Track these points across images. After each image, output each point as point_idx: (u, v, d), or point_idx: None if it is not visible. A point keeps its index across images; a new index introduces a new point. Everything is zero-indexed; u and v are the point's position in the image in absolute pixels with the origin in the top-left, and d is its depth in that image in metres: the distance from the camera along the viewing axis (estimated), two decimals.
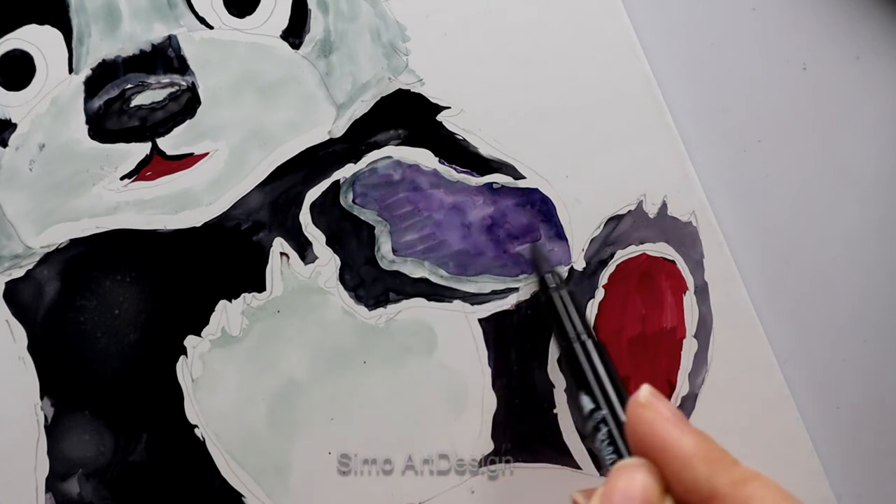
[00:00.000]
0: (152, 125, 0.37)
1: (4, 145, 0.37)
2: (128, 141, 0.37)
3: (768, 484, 0.26)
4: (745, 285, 0.41)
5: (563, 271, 0.39)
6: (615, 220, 0.40)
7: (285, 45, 0.38)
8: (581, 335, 0.34)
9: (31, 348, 0.37)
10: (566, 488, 0.39)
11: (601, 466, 0.30)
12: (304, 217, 0.38)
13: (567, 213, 0.40)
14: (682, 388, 0.40)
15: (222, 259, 0.38)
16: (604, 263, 0.40)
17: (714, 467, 0.26)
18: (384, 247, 0.39)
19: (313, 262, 0.38)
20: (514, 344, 0.39)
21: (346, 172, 0.38)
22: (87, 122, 0.37)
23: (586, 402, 0.31)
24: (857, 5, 0.43)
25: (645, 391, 0.28)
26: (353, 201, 0.38)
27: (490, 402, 0.39)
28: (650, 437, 0.27)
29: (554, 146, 0.40)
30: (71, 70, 0.37)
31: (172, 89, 0.37)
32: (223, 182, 0.38)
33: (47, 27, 0.37)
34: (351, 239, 0.38)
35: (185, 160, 0.37)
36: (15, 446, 0.37)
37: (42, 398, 0.37)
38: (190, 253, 0.38)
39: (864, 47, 0.43)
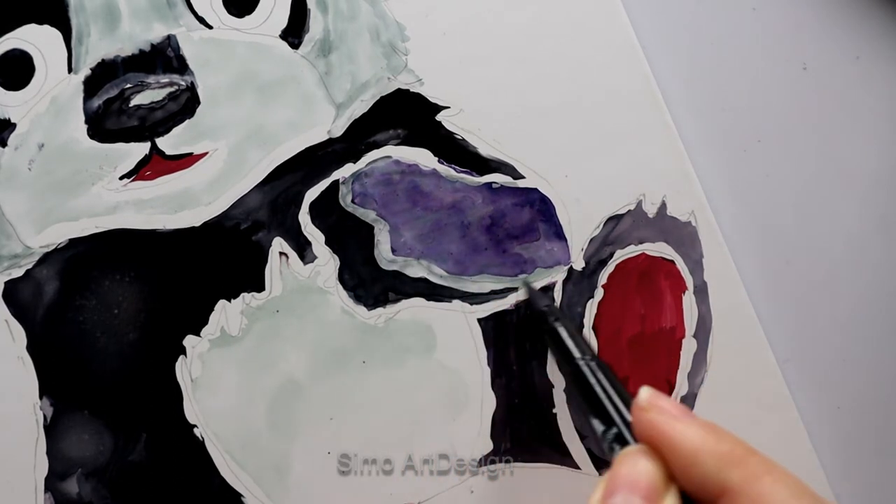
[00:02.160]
0: (151, 125, 0.37)
1: (4, 145, 0.37)
2: (127, 140, 0.37)
3: (782, 477, 0.25)
4: (744, 285, 0.41)
5: (555, 301, 0.39)
6: (614, 219, 0.40)
7: (284, 44, 0.38)
8: (586, 356, 0.34)
9: (31, 348, 0.37)
10: (566, 488, 0.39)
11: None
12: (304, 217, 0.38)
13: (566, 213, 0.40)
14: (682, 387, 0.40)
15: (221, 259, 0.38)
16: (603, 263, 0.40)
17: (723, 461, 0.25)
18: (383, 246, 0.39)
19: (312, 261, 0.38)
20: (513, 344, 0.39)
21: (345, 172, 0.38)
22: (87, 122, 0.37)
23: (597, 425, 0.31)
24: (857, 5, 0.43)
25: (644, 394, 0.28)
26: (353, 201, 0.38)
27: (489, 401, 0.39)
28: (657, 436, 0.26)
29: (553, 146, 0.40)
30: (70, 70, 0.37)
31: (171, 89, 0.37)
32: (222, 182, 0.38)
33: (46, 27, 0.37)
34: (350, 239, 0.38)
35: (185, 160, 0.37)
36: (14, 446, 0.37)
37: (41, 398, 0.37)
38: (189, 252, 0.38)
39: (864, 47, 0.43)
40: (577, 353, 0.34)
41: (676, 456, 0.26)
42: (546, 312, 0.37)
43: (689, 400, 0.40)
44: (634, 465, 0.26)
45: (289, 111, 0.38)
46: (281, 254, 0.38)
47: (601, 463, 0.40)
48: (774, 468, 0.25)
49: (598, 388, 0.32)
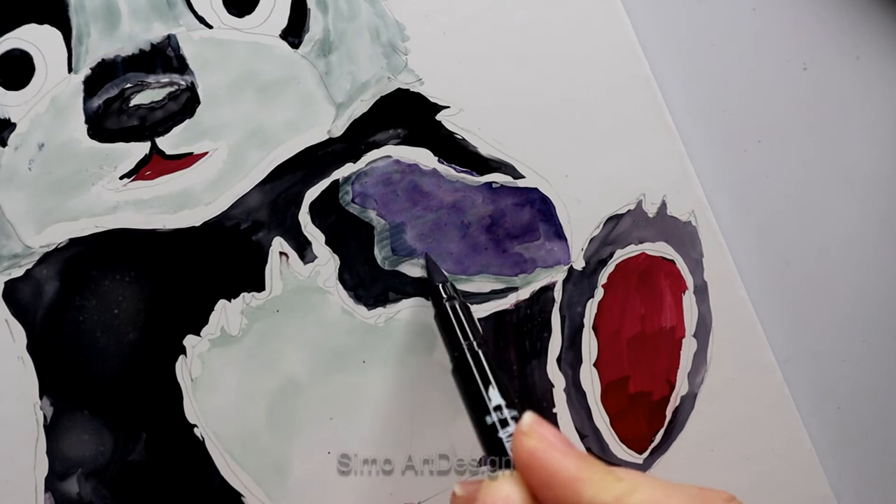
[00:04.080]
0: (151, 125, 0.37)
1: (4, 145, 0.37)
2: (127, 140, 0.37)
3: (651, 485, 0.27)
4: (744, 285, 0.41)
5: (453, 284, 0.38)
6: (614, 219, 0.40)
7: (284, 44, 0.38)
8: (473, 342, 0.34)
9: (31, 348, 0.37)
10: None
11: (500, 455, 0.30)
12: (304, 216, 0.38)
13: (566, 213, 0.40)
14: (682, 387, 0.40)
15: (221, 258, 0.38)
16: (603, 263, 0.40)
17: (596, 487, 0.27)
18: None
19: (312, 261, 0.38)
20: (513, 343, 0.39)
21: (345, 172, 0.38)
22: (87, 122, 0.37)
23: (495, 396, 0.31)
24: (857, 5, 0.43)
25: (527, 419, 0.28)
26: (353, 201, 0.38)
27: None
28: (534, 464, 0.28)
29: (553, 146, 0.40)
30: (70, 69, 0.37)
31: (171, 89, 0.37)
32: (222, 181, 0.38)
33: (46, 26, 0.37)
34: (350, 238, 0.38)
35: (185, 160, 0.37)
36: (14, 446, 0.37)
37: (41, 397, 0.37)
38: (189, 252, 0.38)
39: (864, 47, 0.43)
40: (463, 339, 0.34)
41: (556, 484, 0.27)
42: (439, 289, 0.36)
43: (689, 399, 0.40)
44: (499, 490, 0.28)
45: (289, 111, 0.38)
46: (281, 253, 0.38)
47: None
48: (643, 483, 0.27)
49: (479, 381, 0.32)
